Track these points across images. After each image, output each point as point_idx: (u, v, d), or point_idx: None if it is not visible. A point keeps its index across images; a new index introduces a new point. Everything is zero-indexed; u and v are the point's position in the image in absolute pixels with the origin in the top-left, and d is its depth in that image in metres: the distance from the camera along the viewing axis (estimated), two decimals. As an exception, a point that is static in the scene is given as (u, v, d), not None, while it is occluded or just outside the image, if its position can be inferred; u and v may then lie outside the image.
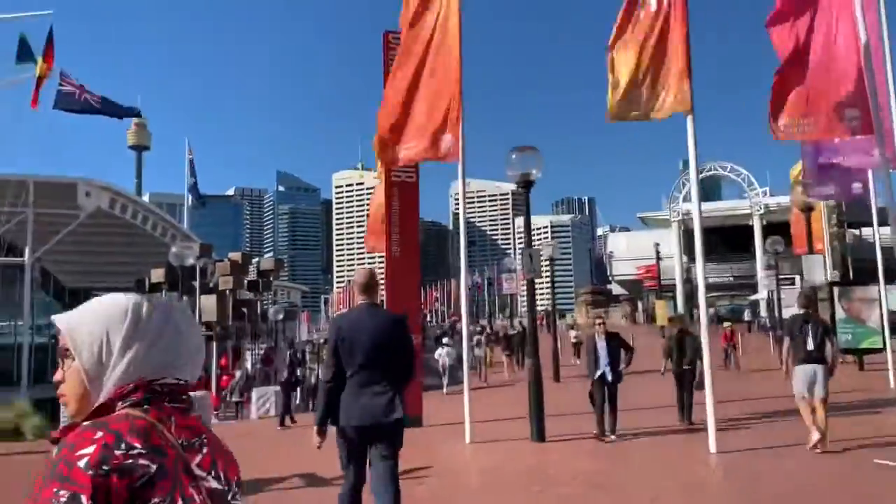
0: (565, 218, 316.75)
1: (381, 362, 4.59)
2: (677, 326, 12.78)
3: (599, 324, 10.49)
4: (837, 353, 10.26)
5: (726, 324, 25.25)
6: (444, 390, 21.10)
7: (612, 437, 9.81)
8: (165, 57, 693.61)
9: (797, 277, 45.20)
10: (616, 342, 10.32)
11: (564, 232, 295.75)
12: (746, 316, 47.33)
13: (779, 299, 26.52)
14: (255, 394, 21.22)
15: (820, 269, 14.26)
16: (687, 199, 59.69)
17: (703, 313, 9.18)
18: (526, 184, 10.39)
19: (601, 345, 10.18)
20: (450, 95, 10.59)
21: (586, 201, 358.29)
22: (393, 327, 4.75)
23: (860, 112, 9.95)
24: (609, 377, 10.00)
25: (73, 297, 42.51)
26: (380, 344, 4.60)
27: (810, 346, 8.52)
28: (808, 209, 14.25)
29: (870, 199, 16.21)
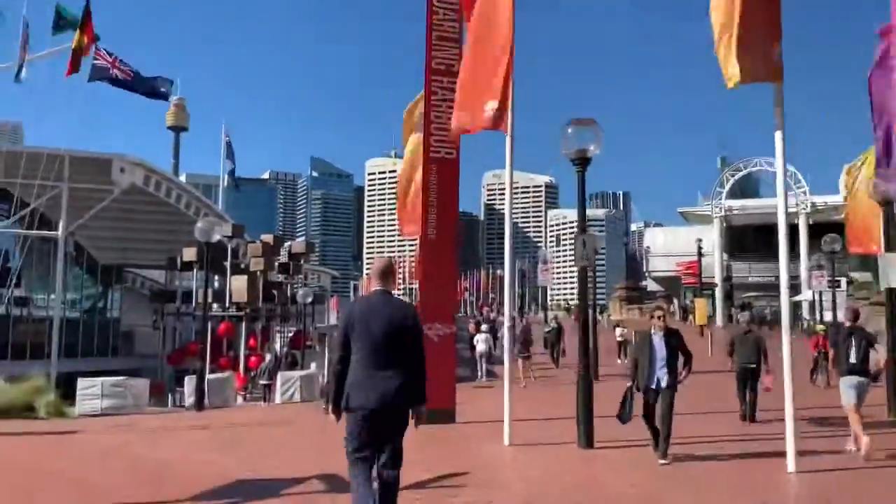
0: (600, 212, 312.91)
1: (392, 349, 4.73)
2: (743, 327, 13.56)
3: (659, 317, 8.47)
4: (883, 361, 11.07)
5: (819, 327, 21.26)
6: (478, 381, 20.26)
7: (666, 459, 8.04)
8: (205, 37, 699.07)
9: (843, 280, 43.35)
10: (676, 341, 8.33)
11: (598, 226, 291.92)
12: (769, 316, 45.67)
13: (834, 301, 25.13)
14: (279, 378, 20.52)
15: (892, 269, 12.94)
16: (728, 195, 57.84)
17: (785, 315, 8.10)
18: (582, 161, 9.34)
19: (658, 343, 8.22)
20: (497, 59, 9.60)
21: (621, 196, 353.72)
22: (404, 316, 4.89)
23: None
24: (664, 383, 8.10)
25: (105, 273, 42.46)
26: (391, 331, 4.74)
27: (853, 358, 8.98)
28: (887, 203, 12.94)
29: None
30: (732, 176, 57.20)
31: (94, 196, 36.18)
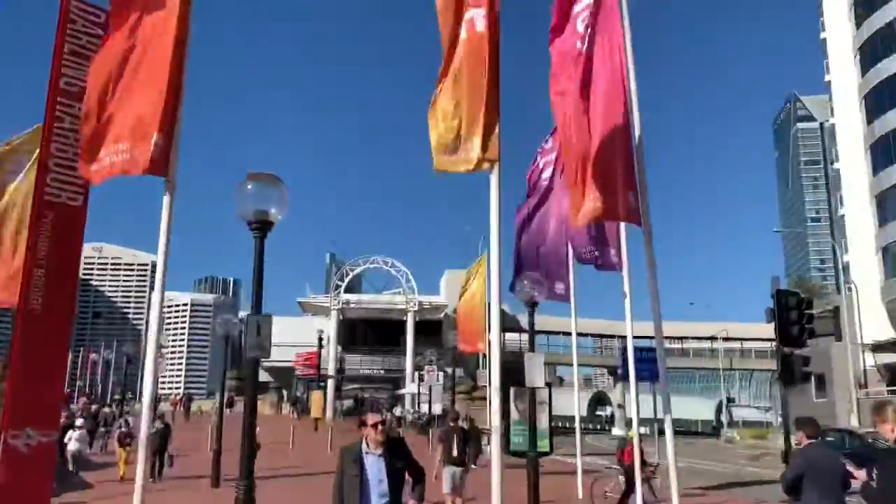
0: (208, 297, 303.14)
1: None
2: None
3: (377, 425, 5.42)
4: (479, 454, 13.19)
5: (629, 433, 14.21)
6: (64, 496, 16.02)
7: None
8: None
9: (441, 374, 46.99)
10: (403, 460, 5.54)
11: (206, 312, 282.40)
12: (398, 412, 47.64)
13: (453, 399, 26.25)
14: None
15: (541, 369, 13.43)
16: (348, 289, 59.68)
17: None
18: (262, 225, 7.58)
19: (376, 468, 5.37)
20: (161, 87, 7.59)
21: (231, 282, 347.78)
22: None
23: (635, 200, 9.25)
24: None
25: None
26: None
27: (455, 451, 11.17)
28: (533, 304, 13.51)
29: (570, 301, 16.28)
30: (352, 270, 59.32)
31: None
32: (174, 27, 8.09)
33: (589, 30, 9.46)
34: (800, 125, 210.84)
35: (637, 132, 9.71)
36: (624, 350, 13.62)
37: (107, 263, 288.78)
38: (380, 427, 5.44)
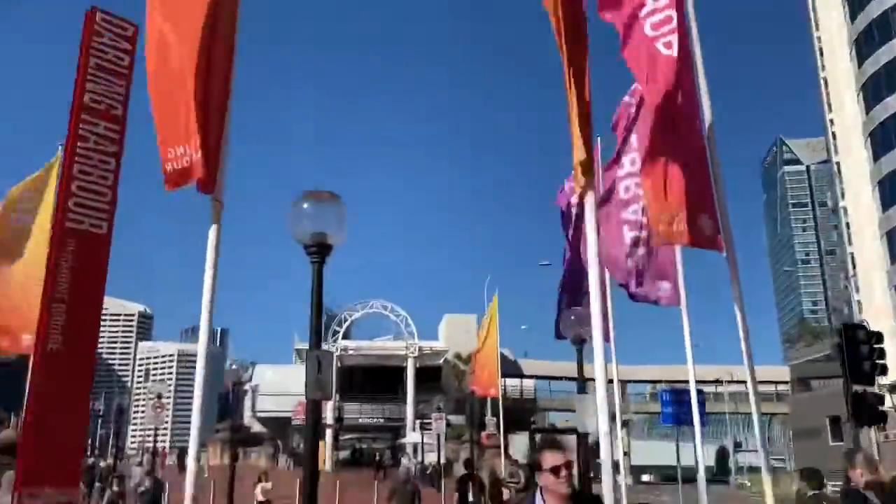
0: (196, 347, 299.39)
1: None
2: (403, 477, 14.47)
3: (557, 468, 3.67)
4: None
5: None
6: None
7: None
8: None
9: (443, 423, 45.35)
10: None
11: (192, 362, 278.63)
12: (387, 460, 46.02)
13: (471, 449, 25.04)
14: None
15: (593, 414, 12.36)
16: (346, 336, 58.30)
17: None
18: (320, 248, 6.66)
19: None
20: (182, 84, 6.87)
21: (219, 331, 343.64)
22: None
23: (712, 223, 8.40)
24: None
25: None
26: None
27: (470, 498, 11.51)
28: (580, 341, 12.57)
29: (609, 342, 15.28)
30: (350, 315, 58.04)
31: None
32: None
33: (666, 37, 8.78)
34: (786, 168, 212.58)
35: (713, 146, 8.93)
36: (671, 393, 12.59)
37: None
38: (563, 472, 3.66)
